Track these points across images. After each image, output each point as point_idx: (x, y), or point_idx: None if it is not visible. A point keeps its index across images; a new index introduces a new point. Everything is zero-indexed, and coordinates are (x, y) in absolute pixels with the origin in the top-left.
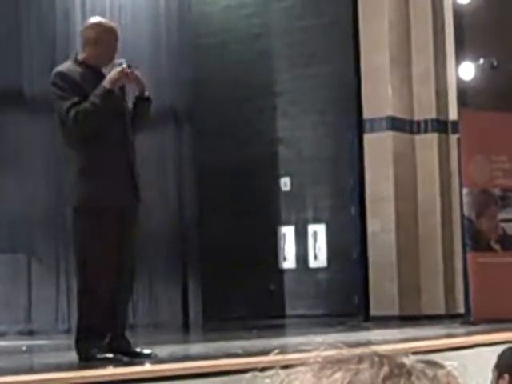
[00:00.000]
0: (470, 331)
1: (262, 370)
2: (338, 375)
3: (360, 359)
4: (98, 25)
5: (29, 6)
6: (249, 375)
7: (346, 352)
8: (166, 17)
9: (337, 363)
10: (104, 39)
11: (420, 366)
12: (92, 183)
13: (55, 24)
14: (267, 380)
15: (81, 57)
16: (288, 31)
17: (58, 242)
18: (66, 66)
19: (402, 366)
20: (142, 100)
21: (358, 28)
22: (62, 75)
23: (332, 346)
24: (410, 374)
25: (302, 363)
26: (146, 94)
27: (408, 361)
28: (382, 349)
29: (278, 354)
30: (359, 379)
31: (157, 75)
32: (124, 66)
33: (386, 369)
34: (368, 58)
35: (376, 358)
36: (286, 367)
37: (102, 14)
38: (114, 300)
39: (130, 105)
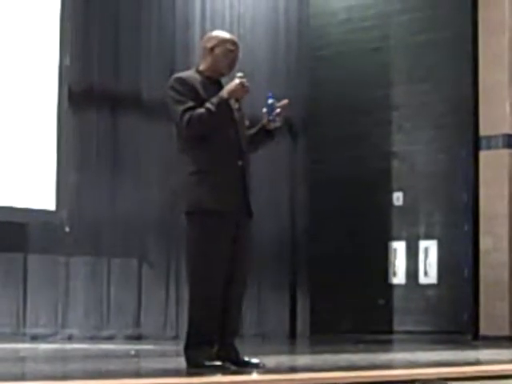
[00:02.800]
0: None
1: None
2: None
3: None
4: (214, 36)
5: (150, 14)
6: None
7: None
8: (284, 28)
9: None
10: (219, 50)
11: None
12: (203, 187)
13: (175, 32)
14: None
15: (201, 67)
16: (406, 45)
17: (170, 247)
18: (186, 73)
19: None
20: (265, 132)
21: (477, 44)
22: (181, 80)
23: None
24: None
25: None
26: (275, 126)
27: None
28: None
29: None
30: None
31: (274, 86)
32: (244, 79)
33: None
34: (486, 75)
35: None
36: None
37: (222, 24)
38: (225, 309)
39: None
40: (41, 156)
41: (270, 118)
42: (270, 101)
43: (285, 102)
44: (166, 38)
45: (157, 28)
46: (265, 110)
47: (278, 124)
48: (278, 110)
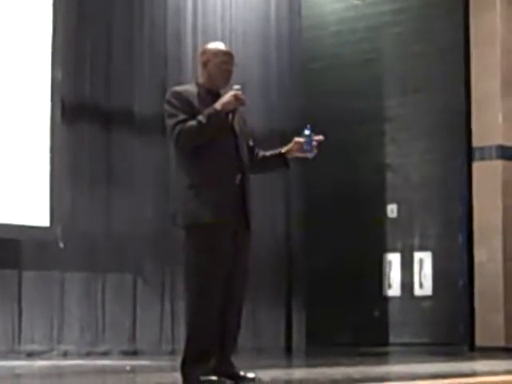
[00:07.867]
0: None
1: None
2: None
3: None
4: (207, 50)
5: (141, 29)
6: None
7: None
8: (276, 41)
9: None
10: (213, 64)
11: None
12: (200, 201)
13: (166, 47)
14: None
15: (199, 80)
16: (399, 57)
17: (165, 263)
18: (184, 86)
19: None
20: (281, 158)
21: (469, 54)
22: (177, 94)
23: None
24: None
25: None
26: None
27: None
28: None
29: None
30: None
31: (266, 99)
32: (239, 91)
33: None
34: (479, 85)
35: None
36: None
37: (213, 38)
38: (223, 323)
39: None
40: (34, 172)
41: (308, 147)
42: (307, 132)
43: (321, 137)
44: (157, 53)
45: (149, 42)
46: (302, 139)
47: (313, 154)
48: (315, 143)
